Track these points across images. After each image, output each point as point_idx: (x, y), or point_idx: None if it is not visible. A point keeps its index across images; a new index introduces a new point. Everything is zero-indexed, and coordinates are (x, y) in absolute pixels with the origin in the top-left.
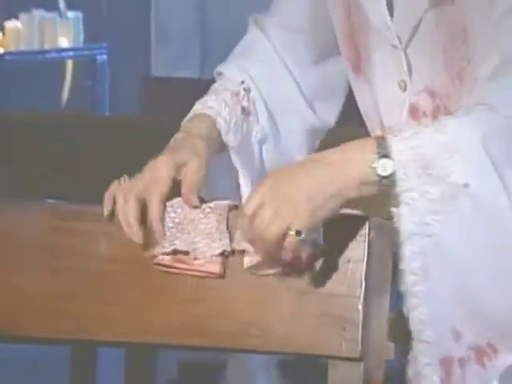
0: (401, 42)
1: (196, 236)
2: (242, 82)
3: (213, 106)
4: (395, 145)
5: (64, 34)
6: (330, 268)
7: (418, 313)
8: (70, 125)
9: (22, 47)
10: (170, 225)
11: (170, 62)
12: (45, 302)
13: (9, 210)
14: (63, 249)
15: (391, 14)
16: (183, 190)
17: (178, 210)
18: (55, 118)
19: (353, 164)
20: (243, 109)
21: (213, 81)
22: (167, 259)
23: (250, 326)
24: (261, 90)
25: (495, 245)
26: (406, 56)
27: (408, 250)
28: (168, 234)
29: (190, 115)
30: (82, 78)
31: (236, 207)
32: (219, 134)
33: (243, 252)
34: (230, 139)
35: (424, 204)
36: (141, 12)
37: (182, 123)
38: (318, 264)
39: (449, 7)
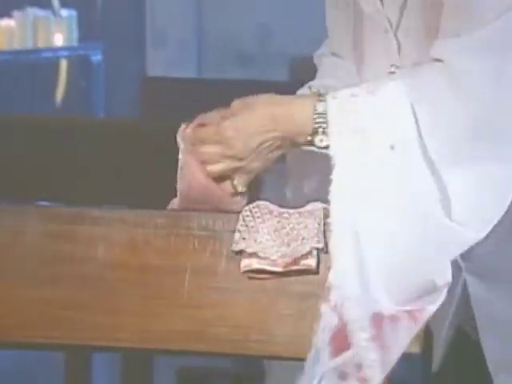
0: (391, 26)
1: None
2: None
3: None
4: (331, 107)
5: (58, 32)
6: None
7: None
8: (64, 127)
9: (16, 46)
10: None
11: (166, 62)
12: (43, 308)
13: (5, 215)
14: (61, 254)
15: None
16: None
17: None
18: (49, 120)
19: (293, 130)
20: None
21: (210, 81)
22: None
23: (250, 331)
24: None
25: (411, 200)
26: (397, 39)
27: (336, 212)
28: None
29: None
30: (77, 78)
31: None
32: None
33: (241, 255)
34: None
35: (354, 166)
36: (136, 11)
37: None
38: (319, 268)
39: None
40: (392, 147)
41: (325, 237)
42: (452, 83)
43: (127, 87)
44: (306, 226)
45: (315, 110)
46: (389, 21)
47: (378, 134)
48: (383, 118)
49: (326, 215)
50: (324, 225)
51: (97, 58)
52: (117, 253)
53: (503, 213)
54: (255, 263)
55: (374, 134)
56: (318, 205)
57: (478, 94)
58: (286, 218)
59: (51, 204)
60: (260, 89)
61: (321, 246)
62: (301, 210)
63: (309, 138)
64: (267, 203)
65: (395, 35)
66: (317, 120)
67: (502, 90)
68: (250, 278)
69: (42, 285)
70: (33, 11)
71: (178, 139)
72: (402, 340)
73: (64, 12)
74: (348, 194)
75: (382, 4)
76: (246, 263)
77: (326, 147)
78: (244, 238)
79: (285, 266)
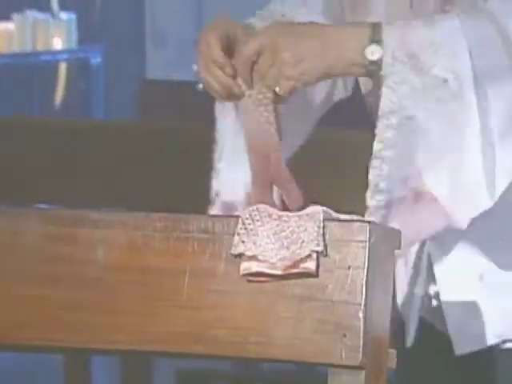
0: None
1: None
2: None
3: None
4: (386, 32)
5: (57, 35)
6: (330, 275)
7: (377, 170)
8: (64, 129)
9: (15, 49)
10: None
11: (165, 65)
12: (42, 310)
13: (5, 217)
14: (60, 256)
15: None
16: None
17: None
18: (49, 122)
19: (347, 46)
20: None
21: None
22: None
23: (250, 334)
24: None
25: (458, 135)
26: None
27: (383, 124)
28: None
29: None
30: (76, 81)
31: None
32: None
33: (240, 258)
34: None
35: (406, 89)
36: (135, 14)
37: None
38: (319, 271)
39: None
40: (445, 81)
41: (324, 240)
42: (505, 41)
43: (127, 89)
44: (305, 230)
45: (369, 37)
46: None
47: (433, 65)
48: (440, 51)
49: (326, 218)
50: (323, 228)
51: (96, 60)
52: (116, 255)
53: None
54: (254, 266)
55: (428, 64)
56: (318, 208)
57: None
58: (286, 222)
59: (51, 206)
60: None
61: (320, 249)
62: (300, 213)
63: (359, 53)
64: (267, 206)
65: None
66: (369, 45)
67: None
68: (250, 280)
69: (41, 286)
70: (32, 14)
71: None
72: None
73: (63, 15)
74: (396, 115)
75: None
76: (246, 266)
77: (377, 62)
78: (243, 241)
79: (284, 269)
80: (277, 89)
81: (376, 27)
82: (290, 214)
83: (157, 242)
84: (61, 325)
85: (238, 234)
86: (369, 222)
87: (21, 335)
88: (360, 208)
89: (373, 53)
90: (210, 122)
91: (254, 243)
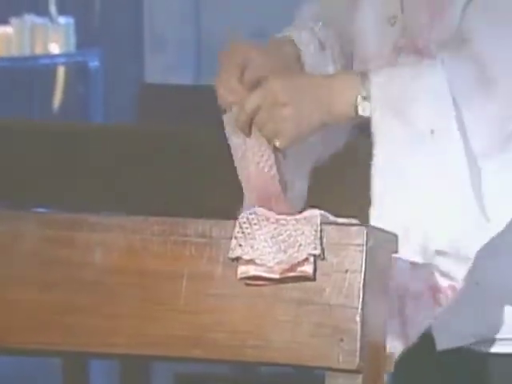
0: None
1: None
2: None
3: (292, 33)
4: (374, 88)
5: (55, 39)
6: (328, 278)
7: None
8: (63, 132)
9: (13, 53)
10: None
11: (164, 68)
12: (40, 314)
13: (3, 221)
14: (58, 259)
15: None
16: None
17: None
18: (47, 126)
19: (339, 100)
20: (319, 41)
21: (209, 87)
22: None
23: (248, 337)
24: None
25: (449, 183)
26: None
27: (376, 180)
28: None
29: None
30: (75, 85)
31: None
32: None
33: (237, 262)
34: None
35: (395, 144)
36: (134, 17)
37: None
38: (316, 274)
39: None
40: (432, 132)
41: (321, 243)
42: (484, 84)
43: (125, 93)
44: (302, 233)
45: (359, 93)
46: None
47: (420, 118)
48: (425, 104)
49: (323, 222)
50: (321, 231)
51: (94, 64)
52: (114, 258)
53: None
54: (252, 270)
55: (415, 118)
56: (315, 211)
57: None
58: (283, 225)
59: (49, 210)
60: None
61: (317, 252)
62: (298, 216)
63: (351, 107)
64: (264, 210)
65: None
66: (359, 101)
67: None
68: (247, 284)
69: (39, 290)
70: (30, 18)
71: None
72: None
73: (61, 19)
74: (388, 170)
75: None
76: (243, 270)
77: (367, 117)
78: (241, 245)
79: (281, 273)
80: (277, 143)
81: (365, 81)
82: (288, 218)
83: (155, 246)
84: (59, 328)
85: (236, 238)
86: (366, 226)
87: (19, 339)
88: (356, 211)
89: (364, 109)
90: (208, 125)
91: (252, 247)
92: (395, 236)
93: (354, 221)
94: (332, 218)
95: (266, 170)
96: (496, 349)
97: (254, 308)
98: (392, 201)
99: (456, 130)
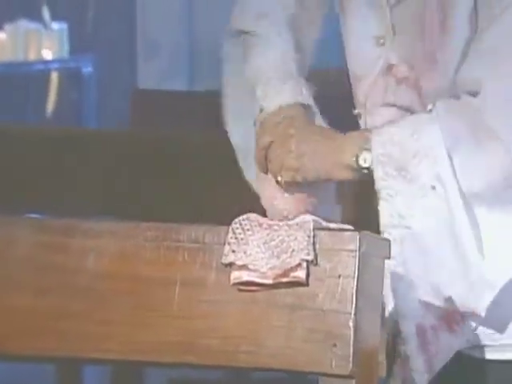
0: (388, 1)
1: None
2: None
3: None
4: (376, 147)
5: (49, 45)
6: (321, 284)
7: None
8: (56, 138)
9: (7, 58)
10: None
11: (157, 75)
12: (34, 320)
13: None
14: (52, 265)
15: None
16: None
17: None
18: (40, 132)
19: (342, 153)
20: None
21: (202, 93)
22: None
23: (241, 343)
24: None
25: (452, 234)
26: (392, 15)
27: (385, 235)
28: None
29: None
30: (68, 91)
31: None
32: None
33: (231, 267)
34: None
35: (399, 201)
36: (127, 23)
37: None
38: (309, 280)
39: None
40: (433, 187)
41: (314, 249)
42: (480, 139)
43: (119, 99)
44: (295, 239)
45: (361, 148)
46: None
47: (420, 174)
48: (424, 160)
49: (316, 227)
50: (313, 237)
51: (88, 70)
52: (107, 264)
53: None
54: (245, 275)
55: (416, 174)
56: (308, 217)
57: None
58: (276, 231)
59: (43, 215)
60: None
61: (310, 258)
62: (290, 222)
63: (352, 159)
64: (257, 216)
65: (391, 10)
66: (360, 153)
67: None
68: (240, 290)
69: (33, 295)
70: (24, 24)
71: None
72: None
73: (55, 25)
74: (394, 226)
75: None
76: (236, 275)
77: (369, 167)
78: (234, 251)
79: (274, 278)
80: (279, 178)
81: (367, 139)
82: (281, 224)
83: (147, 252)
84: (53, 334)
85: (229, 244)
86: (359, 231)
87: (13, 344)
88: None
89: (365, 160)
90: (201, 131)
91: (245, 252)
92: (388, 241)
93: (346, 226)
94: (324, 223)
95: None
96: (492, 355)
97: (248, 314)
98: (400, 254)
99: (454, 184)
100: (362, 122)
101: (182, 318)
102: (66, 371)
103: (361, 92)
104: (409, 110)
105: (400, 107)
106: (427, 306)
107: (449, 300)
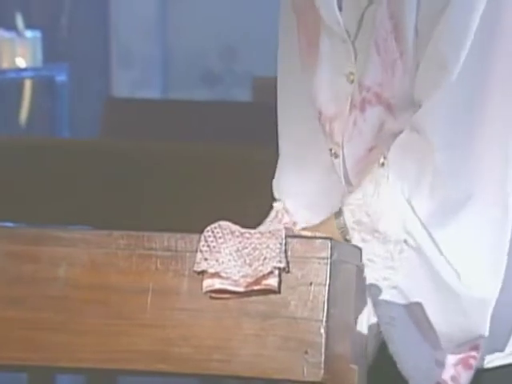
0: (349, 36)
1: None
2: None
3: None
4: (348, 216)
5: (22, 53)
6: (293, 291)
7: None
8: (28, 147)
9: None
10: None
11: (131, 83)
12: (6, 330)
13: None
14: (23, 275)
15: (340, 9)
16: None
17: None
18: (13, 141)
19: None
20: None
21: (175, 102)
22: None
23: (213, 351)
24: None
25: (435, 283)
26: (355, 49)
27: (378, 302)
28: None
29: None
30: (41, 99)
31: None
32: None
33: (203, 275)
34: None
35: (380, 263)
36: (101, 32)
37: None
38: (281, 287)
39: (382, 6)
40: (405, 241)
41: (286, 257)
42: (433, 180)
43: (92, 108)
44: (267, 246)
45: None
46: (347, 32)
47: (391, 233)
48: (390, 219)
49: (288, 235)
50: (285, 244)
51: (61, 78)
52: (79, 273)
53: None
54: (217, 283)
55: (388, 234)
56: (280, 225)
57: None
58: (248, 238)
59: (13, 224)
60: (224, 109)
61: (282, 265)
62: (262, 229)
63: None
64: (229, 223)
65: (353, 45)
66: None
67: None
68: (212, 297)
69: (4, 305)
70: None
71: None
72: None
73: (28, 33)
74: (385, 289)
75: (340, 14)
76: (209, 283)
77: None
78: (206, 259)
79: (246, 286)
80: None
81: (340, 214)
82: (252, 231)
83: (120, 260)
84: (25, 344)
85: (201, 251)
86: (330, 239)
87: None
88: None
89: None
90: (174, 140)
91: (217, 260)
92: (359, 249)
93: (318, 234)
94: (296, 231)
95: None
96: (489, 364)
97: (220, 322)
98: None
99: (423, 230)
100: (338, 162)
101: (155, 327)
102: (38, 380)
103: (336, 132)
104: (381, 130)
105: (373, 134)
106: (440, 362)
107: (456, 340)
